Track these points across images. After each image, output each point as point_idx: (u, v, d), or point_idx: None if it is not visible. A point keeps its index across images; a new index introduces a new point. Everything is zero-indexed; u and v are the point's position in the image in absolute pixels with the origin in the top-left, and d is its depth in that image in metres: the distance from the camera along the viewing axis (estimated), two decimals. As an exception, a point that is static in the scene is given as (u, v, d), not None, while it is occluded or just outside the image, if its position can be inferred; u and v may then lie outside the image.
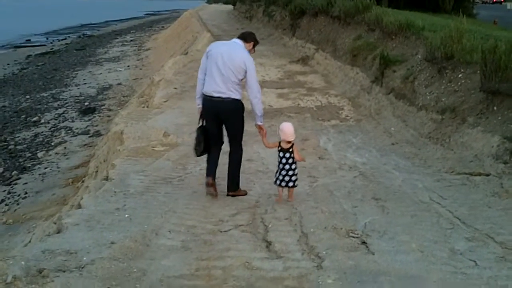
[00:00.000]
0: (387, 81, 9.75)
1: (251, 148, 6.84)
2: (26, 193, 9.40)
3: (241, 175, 5.50)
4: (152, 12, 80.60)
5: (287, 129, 5.07)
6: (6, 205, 8.99)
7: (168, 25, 41.62)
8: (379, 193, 5.45)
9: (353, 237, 4.28)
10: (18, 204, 8.92)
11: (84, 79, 21.16)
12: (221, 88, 5.08)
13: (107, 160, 7.76)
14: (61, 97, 17.95)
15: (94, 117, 14.85)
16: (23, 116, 15.46)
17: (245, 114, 5.37)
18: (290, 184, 5.13)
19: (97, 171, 7.99)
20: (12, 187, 9.86)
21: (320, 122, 8.87)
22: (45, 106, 16.70)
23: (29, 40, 39.12)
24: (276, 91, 11.21)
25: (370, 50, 11.42)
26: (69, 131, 13.41)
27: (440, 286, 3.57)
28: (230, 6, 38.41)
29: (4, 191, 9.68)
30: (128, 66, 24.08)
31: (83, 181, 8.48)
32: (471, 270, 3.73)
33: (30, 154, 11.75)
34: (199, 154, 5.37)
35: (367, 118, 9.12)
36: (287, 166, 5.08)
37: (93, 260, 3.80)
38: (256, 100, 5.22)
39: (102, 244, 4.09)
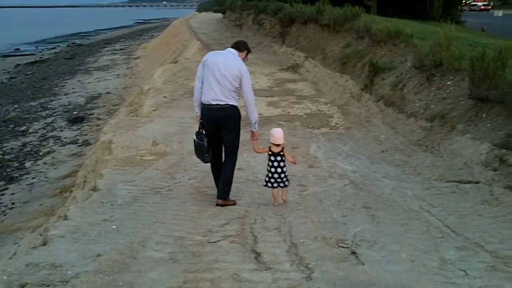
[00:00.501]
0: (377, 89, 9.77)
1: (241, 156, 6.75)
2: (13, 203, 9.27)
3: (230, 184, 5.46)
4: (142, 21, 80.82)
5: (276, 133, 5.17)
6: (-7, 216, 8.83)
7: (158, 33, 41.71)
8: (369, 201, 5.42)
9: (343, 247, 4.23)
10: (5, 215, 8.79)
11: (73, 88, 21.07)
12: (219, 96, 5.19)
13: (95, 170, 7.66)
14: (50, 106, 17.82)
15: (83, 126, 14.74)
16: (11, 125, 15.31)
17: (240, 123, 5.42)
18: (282, 185, 5.23)
19: (85, 181, 7.88)
20: (-1, 197, 9.69)
21: (310, 130, 8.87)
22: (34, 115, 16.55)
23: (18, 49, 39.08)
24: (266, 99, 11.21)
25: (359, 57, 11.47)
26: (58, 141, 13.28)
27: (431, 296, 3.52)
28: (220, 15, 38.58)
29: (-9, 201, 9.51)
30: (118, 74, 24.00)
31: (71, 191, 8.37)
32: (462, 280, 3.69)
33: (18, 164, 11.61)
34: (208, 161, 5.45)
35: (357, 125, 9.12)
36: (279, 170, 5.15)
37: (78, 273, 3.71)
38: (251, 107, 5.35)
39: (88, 257, 4.00)
